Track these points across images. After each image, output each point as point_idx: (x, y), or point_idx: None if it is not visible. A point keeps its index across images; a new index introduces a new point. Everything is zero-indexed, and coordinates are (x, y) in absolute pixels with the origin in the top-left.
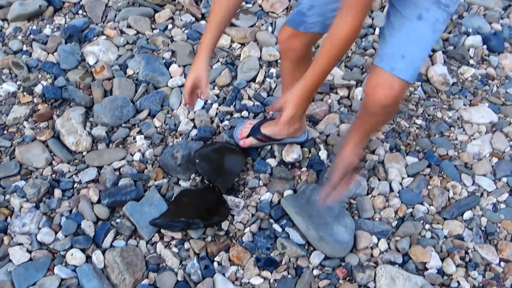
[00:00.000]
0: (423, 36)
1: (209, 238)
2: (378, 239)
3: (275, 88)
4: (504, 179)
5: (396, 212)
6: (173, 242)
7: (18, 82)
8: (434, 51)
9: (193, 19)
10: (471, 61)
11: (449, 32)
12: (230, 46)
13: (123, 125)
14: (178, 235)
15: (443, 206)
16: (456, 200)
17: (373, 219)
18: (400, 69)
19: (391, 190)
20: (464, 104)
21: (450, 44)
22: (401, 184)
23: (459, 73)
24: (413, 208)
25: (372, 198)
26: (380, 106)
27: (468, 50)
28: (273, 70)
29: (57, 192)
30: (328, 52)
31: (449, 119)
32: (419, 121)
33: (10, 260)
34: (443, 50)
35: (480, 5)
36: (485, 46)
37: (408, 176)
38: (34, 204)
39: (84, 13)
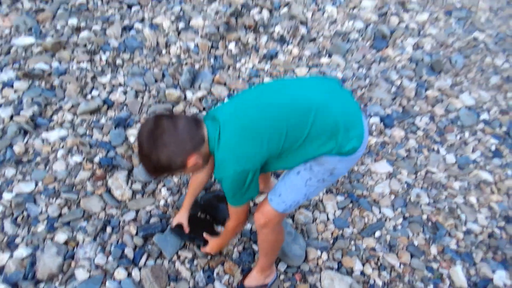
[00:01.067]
0: (296, 186)
1: (209, 257)
2: (321, 252)
3: None
4: (399, 209)
5: (332, 234)
6: (186, 260)
7: (83, 155)
8: None
9: (198, 111)
10: (374, 133)
11: None
12: None
13: (152, 181)
14: (189, 255)
15: (362, 228)
16: (370, 224)
17: (317, 239)
18: (275, 202)
19: (328, 219)
20: (371, 161)
21: None
22: (334, 214)
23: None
24: (342, 230)
25: (316, 225)
26: (257, 225)
27: (372, 126)
28: None
29: (108, 229)
30: (225, 234)
31: (362, 171)
32: None
33: (75, 279)
34: None
35: (377, 97)
36: (382, 123)
37: (339, 209)
38: (93, 238)
39: (127, 109)
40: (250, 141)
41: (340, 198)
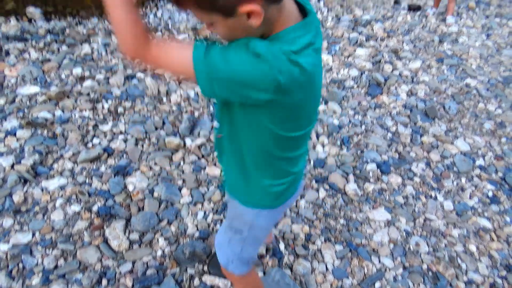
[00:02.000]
0: (223, 246)
1: None
2: None
3: None
4: (399, 259)
5: (331, 285)
6: None
7: (81, 204)
8: (347, 173)
9: (197, 158)
10: (371, 180)
11: (356, 162)
12: (220, 175)
13: (150, 231)
14: None
15: (361, 279)
16: (369, 275)
17: None
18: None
19: (327, 269)
20: (369, 208)
21: (357, 169)
22: (333, 264)
23: (364, 188)
24: (342, 281)
25: (315, 276)
26: None
27: (369, 173)
28: None
29: (104, 281)
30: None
31: (360, 218)
32: (341, 221)
33: None
34: (353, 173)
35: (373, 143)
36: (378, 170)
37: (337, 258)
38: None
39: (127, 156)
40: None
41: (338, 247)
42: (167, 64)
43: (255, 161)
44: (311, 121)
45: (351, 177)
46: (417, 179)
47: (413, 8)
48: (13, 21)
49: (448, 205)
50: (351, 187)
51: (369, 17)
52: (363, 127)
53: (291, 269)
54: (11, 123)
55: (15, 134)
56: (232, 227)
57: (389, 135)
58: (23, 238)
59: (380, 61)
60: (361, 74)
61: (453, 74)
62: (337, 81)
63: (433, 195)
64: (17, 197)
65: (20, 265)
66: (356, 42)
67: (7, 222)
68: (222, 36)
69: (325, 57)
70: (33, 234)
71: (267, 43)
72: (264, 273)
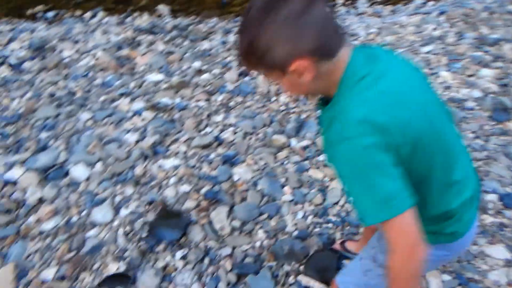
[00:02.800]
0: (354, 271)
1: None
2: None
3: (351, 211)
4: None
5: None
6: None
7: (191, 186)
8: None
9: (301, 159)
10: (490, 212)
11: None
12: (323, 179)
13: (251, 221)
14: None
15: None
16: None
17: None
18: (339, 276)
19: None
20: (485, 242)
21: None
22: None
23: (481, 219)
24: None
25: None
26: None
27: (488, 204)
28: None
29: (206, 260)
30: (393, 282)
31: (474, 251)
32: None
33: None
34: None
35: (495, 173)
36: (500, 202)
37: None
38: (192, 266)
39: (235, 147)
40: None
41: (446, 277)
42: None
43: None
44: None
45: None
46: None
47: None
48: (145, 16)
49: None
50: None
51: (497, 36)
52: (485, 153)
53: None
54: (138, 105)
55: (140, 115)
56: (376, 259)
57: None
58: (140, 207)
59: (508, 84)
60: (485, 96)
61: None
62: (456, 100)
63: None
64: (138, 170)
65: (134, 231)
66: (481, 61)
67: (129, 190)
68: (287, 90)
69: (444, 74)
70: (148, 205)
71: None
72: None
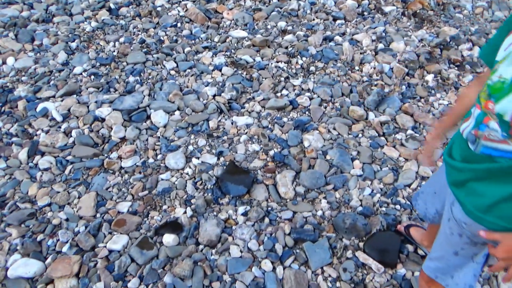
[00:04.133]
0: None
1: (353, 285)
2: None
3: None
4: None
5: None
6: (329, 279)
7: (261, 146)
8: None
9: (376, 134)
10: None
11: None
12: (398, 158)
13: (315, 190)
14: (334, 274)
15: None
16: None
17: None
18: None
19: None
20: None
21: None
22: None
23: None
24: None
25: None
26: None
27: None
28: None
29: (266, 220)
30: None
31: None
32: None
33: (229, 253)
34: None
35: None
36: None
37: None
38: (252, 223)
39: (309, 114)
40: None
41: None
42: None
43: None
44: None
45: None
46: None
47: None
48: None
49: None
50: None
51: None
52: None
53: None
54: (220, 59)
55: (220, 70)
56: (479, 245)
57: None
58: (210, 159)
59: None
60: None
61: None
62: None
63: None
64: (212, 123)
65: (202, 181)
66: None
67: (201, 142)
68: None
69: None
70: (218, 158)
71: None
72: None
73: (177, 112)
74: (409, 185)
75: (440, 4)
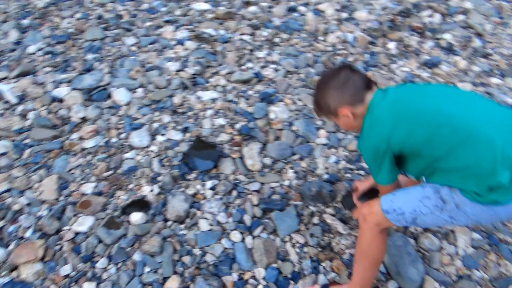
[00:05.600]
0: (411, 194)
1: (320, 249)
2: (440, 286)
3: None
4: None
5: (457, 271)
6: (297, 245)
7: (226, 120)
8: None
9: None
10: None
11: None
12: None
13: (282, 160)
14: (302, 240)
15: (495, 277)
16: (507, 276)
17: (438, 270)
18: (384, 198)
19: (457, 253)
20: None
21: None
22: (465, 251)
23: None
24: (471, 271)
25: (441, 255)
26: (360, 217)
27: None
28: None
29: (234, 193)
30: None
31: None
32: None
33: (198, 227)
34: None
35: None
36: None
37: (472, 246)
38: (220, 197)
39: (274, 86)
40: (394, 122)
41: (476, 235)
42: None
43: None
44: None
45: None
46: None
47: None
48: None
49: None
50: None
51: None
52: None
53: (415, 240)
54: (183, 33)
55: (183, 44)
56: (438, 191)
57: None
58: (176, 135)
59: None
60: None
61: None
62: None
63: None
64: (176, 99)
65: (169, 157)
66: None
67: (166, 118)
68: (345, 128)
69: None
70: (184, 134)
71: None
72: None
73: (140, 89)
74: None
75: None
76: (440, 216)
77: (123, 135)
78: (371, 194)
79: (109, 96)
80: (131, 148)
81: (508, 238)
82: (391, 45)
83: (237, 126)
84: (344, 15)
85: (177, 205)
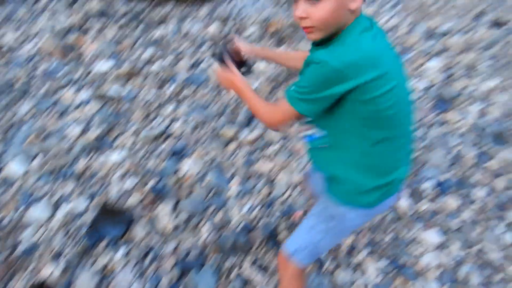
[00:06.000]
0: (299, 232)
1: None
2: None
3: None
4: (447, 285)
5: None
6: None
7: (136, 180)
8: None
9: (250, 151)
10: (426, 198)
11: (412, 177)
12: (271, 170)
13: (196, 215)
14: None
15: None
16: None
17: None
18: (288, 241)
19: (368, 283)
20: (420, 228)
21: (413, 185)
22: (375, 280)
23: (417, 206)
24: None
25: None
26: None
27: (425, 191)
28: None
29: (149, 257)
30: (249, 99)
31: (409, 237)
32: (389, 236)
33: None
34: (407, 189)
35: (433, 161)
36: (435, 189)
37: (381, 274)
38: (134, 264)
39: (184, 140)
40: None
41: (383, 263)
42: (285, 119)
43: (356, 161)
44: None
45: (405, 192)
46: (476, 205)
47: (498, 23)
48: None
49: (509, 238)
50: (404, 203)
51: (446, 28)
52: (425, 142)
53: (330, 276)
54: (84, 94)
55: (86, 105)
56: (321, 214)
57: (452, 155)
58: (81, 204)
59: (452, 75)
60: (430, 87)
61: None
62: None
63: (492, 224)
64: (80, 165)
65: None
66: (429, 53)
67: (69, 186)
68: (326, 15)
69: None
70: (90, 201)
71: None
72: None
73: (38, 158)
74: (282, 194)
75: (295, 22)
76: (335, 234)
77: (19, 211)
78: (240, 65)
79: (0, 170)
80: (29, 224)
81: (410, 261)
82: None
83: (148, 185)
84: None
85: (84, 282)
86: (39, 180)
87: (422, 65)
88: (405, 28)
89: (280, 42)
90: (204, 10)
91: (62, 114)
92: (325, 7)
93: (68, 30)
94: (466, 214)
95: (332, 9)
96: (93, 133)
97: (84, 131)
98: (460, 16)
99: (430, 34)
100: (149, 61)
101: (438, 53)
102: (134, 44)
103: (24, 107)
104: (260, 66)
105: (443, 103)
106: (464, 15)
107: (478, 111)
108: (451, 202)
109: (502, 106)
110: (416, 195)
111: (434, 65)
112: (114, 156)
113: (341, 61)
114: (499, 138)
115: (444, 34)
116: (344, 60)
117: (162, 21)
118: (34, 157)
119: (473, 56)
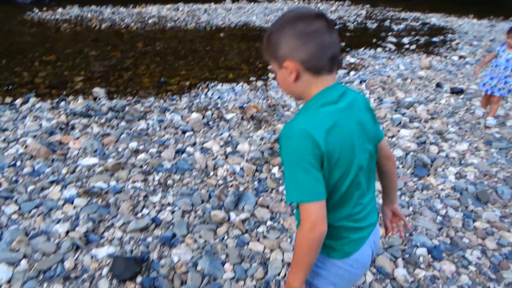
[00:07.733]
0: None
1: None
2: None
3: None
4: None
5: None
6: None
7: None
8: (396, 257)
9: (240, 233)
10: (422, 266)
11: (405, 245)
12: (264, 251)
13: None
14: None
15: None
16: None
17: None
18: None
19: None
20: None
21: (406, 253)
22: None
23: (414, 274)
24: None
25: None
26: None
27: (419, 258)
28: None
29: None
30: (295, 251)
31: None
32: None
33: None
34: (402, 257)
35: (422, 227)
36: (429, 255)
37: None
38: None
39: (173, 228)
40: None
41: None
42: (310, 215)
43: None
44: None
45: (400, 261)
46: (472, 268)
47: (455, 92)
48: (80, 99)
49: None
50: (400, 272)
51: (411, 100)
52: (411, 208)
53: None
54: (70, 191)
55: (72, 202)
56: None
57: (439, 218)
58: None
59: (425, 142)
60: (406, 154)
61: (504, 157)
62: None
63: (491, 287)
64: (68, 264)
65: None
66: (400, 123)
67: None
68: (279, 83)
69: None
70: None
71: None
72: None
73: (23, 261)
74: (278, 274)
75: (270, 106)
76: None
77: None
78: None
79: None
80: None
81: None
82: (275, 170)
83: (139, 279)
84: (229, 149)
85: None
86: (25, 285)
87: (395, 135)
88: (374, 103)
89: (258, 124)
90: (184, 101)
91: (49, 212)
92: (277, 77)
93: (53, 131)
94: (464, 279)
95: (280, 80)
96: (80, 230)
97: (70, 229)
98: (420, 89)
99: (397, 106)
100: (134, 153)
101: (408, 123)
102: (118, 138)
103: (9, 209)
104: (244, 147)
105: (422, 169)
106: (424, 88)
107: (455, 174)
108: (447, 267)
109: (476, 168)
110: (411, 263)
111: (406, 133)
112: (103, 251)
113: (292, 131)
114: (480, 198)
115: (410, 106)
116: (294, 130)
117: (144, 114)
118: (20, 261)
119: (440, 123)
